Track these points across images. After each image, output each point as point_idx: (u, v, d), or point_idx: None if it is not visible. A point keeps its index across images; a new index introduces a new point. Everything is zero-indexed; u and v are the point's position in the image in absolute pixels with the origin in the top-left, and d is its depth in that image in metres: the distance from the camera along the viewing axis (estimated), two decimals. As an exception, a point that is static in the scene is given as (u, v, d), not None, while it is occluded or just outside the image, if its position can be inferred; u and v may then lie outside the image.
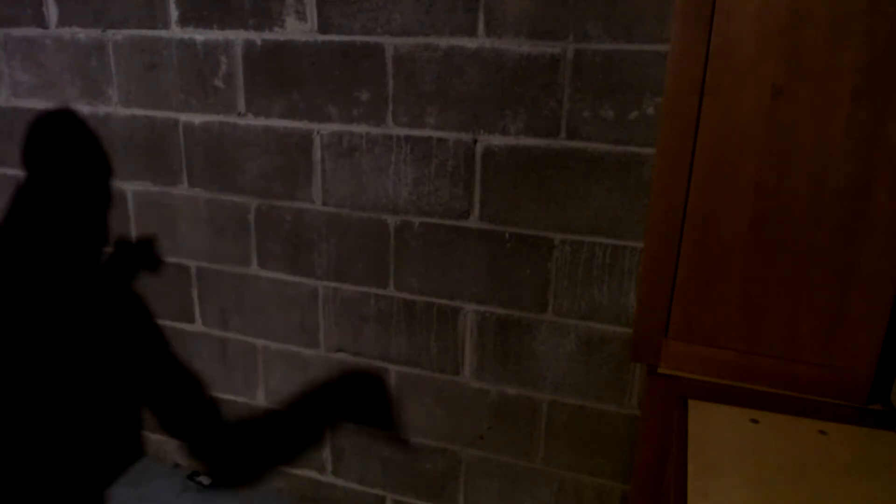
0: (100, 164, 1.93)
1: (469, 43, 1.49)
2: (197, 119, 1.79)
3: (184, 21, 1.72)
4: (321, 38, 1.60)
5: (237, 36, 1.68)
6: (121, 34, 1.79)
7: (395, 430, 1.84)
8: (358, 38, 1.57)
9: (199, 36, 1.71)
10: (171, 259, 1.95)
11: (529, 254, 1.58)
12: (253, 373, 1.97)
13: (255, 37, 1.66)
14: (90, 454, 2.22)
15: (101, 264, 2.04)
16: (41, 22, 1.87)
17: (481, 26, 1.47)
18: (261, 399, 1.99)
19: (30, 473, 2.13)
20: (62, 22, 1.84)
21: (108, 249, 2.01)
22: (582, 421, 1.65)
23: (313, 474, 2.01)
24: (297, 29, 1.62)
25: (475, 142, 1.55)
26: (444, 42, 1.51)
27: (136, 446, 2.23)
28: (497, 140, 1.53)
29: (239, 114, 1.74)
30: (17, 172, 2.05)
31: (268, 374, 1.96)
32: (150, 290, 2.01)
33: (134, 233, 1.97)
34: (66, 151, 1.96)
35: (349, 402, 1.88)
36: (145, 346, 2.07)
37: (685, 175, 1.05)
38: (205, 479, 2.12)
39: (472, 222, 1.61)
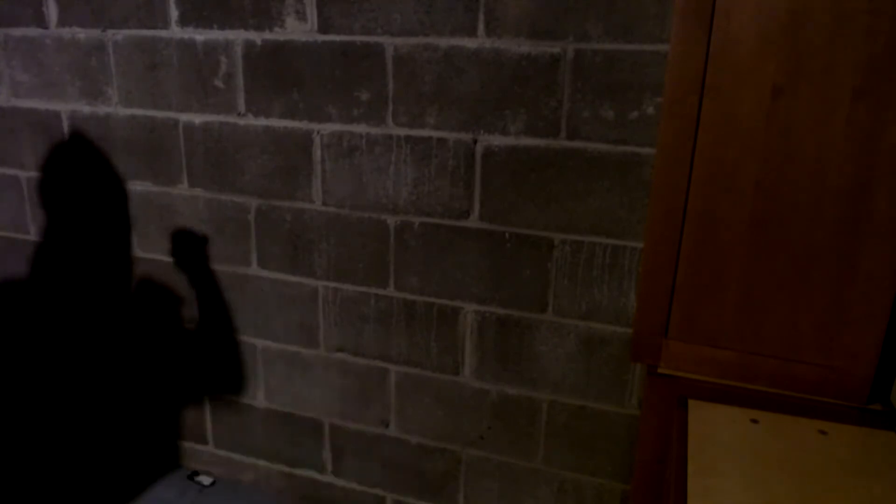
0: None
1: (469, 43, 1.49)
2: (197, 119, 1.79)
3: (184, 21, 1.72)
4: (321, 38, 1.60)
5: (237, 36, 1.68)
6: (121, 34, 1.79)
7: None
8: (358, 38, 1.57)
9: (199, 36, 1.71)
10: (170, 259, 1.95)
11: (529, 254, 1.58)
12: (253, 373, 1.97)
13: (255, 37, 1.66)
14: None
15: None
16: (41, 22, 1.87)
17: (481, 26, 1.47)
18: (261, 399, 1.99)
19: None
20: (62, 22, 1.84)
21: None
22: (582, 421, 1.65)
23: (313, 474, 2.01)
24: (297, 29, 1.62)
25: (475, 142, 1.55)
26: (444, 42, 1.51)
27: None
28: (497, 140, 1.53)
29: (239, 114, 1.74)
30: (17, 172, 2.05)
31: (268, 374, 1.95)
32: (150, 290, 2.01)
33: (134, 233, 1.97)
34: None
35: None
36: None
37: (685, 175, 1.05)
38: (205, 479, 2.12)
39: (472, 222, 1.61)
